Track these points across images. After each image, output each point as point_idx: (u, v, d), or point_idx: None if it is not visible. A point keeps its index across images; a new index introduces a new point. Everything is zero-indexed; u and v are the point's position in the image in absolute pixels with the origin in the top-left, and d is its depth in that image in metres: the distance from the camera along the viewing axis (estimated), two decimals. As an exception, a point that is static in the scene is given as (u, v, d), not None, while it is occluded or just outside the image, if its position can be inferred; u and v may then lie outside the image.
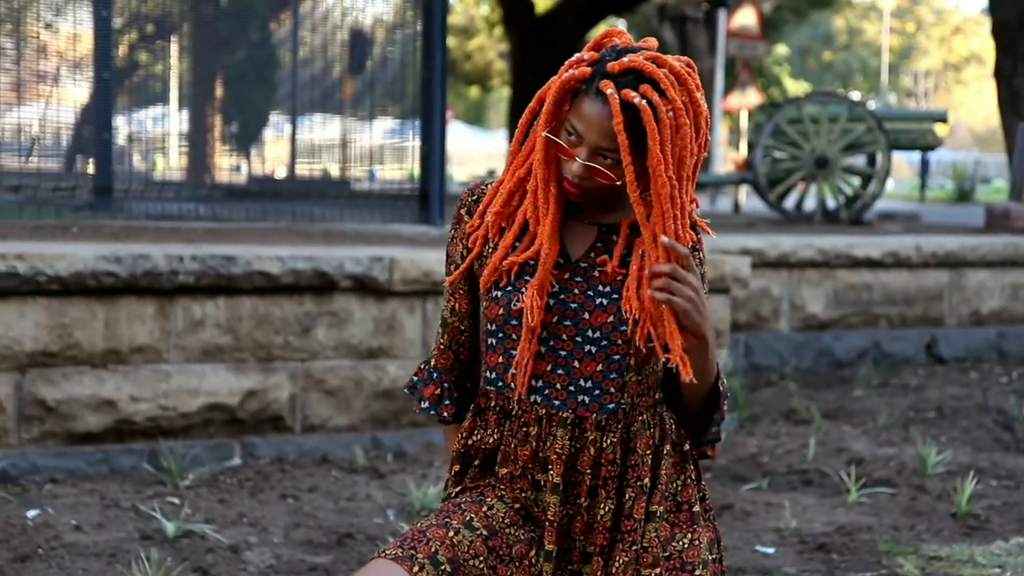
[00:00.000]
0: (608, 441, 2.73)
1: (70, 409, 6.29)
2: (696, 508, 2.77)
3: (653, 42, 2.76)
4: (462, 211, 2.90)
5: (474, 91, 52.12)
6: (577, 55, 2.74)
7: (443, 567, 2.63)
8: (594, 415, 2.72)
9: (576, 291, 2.74)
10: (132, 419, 6.41)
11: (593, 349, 2.73)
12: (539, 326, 2.72)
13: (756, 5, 28.23)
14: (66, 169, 13.17)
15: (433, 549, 2.65)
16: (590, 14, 24.37)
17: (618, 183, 2.67)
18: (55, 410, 6.27)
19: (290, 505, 6.07)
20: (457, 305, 2.91)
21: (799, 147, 12.64)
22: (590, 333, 2.73)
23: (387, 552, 2.66)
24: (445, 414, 2.94)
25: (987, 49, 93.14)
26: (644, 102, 2.59)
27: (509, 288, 2.77)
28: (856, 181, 13.11)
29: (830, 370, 9.85)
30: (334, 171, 12.71)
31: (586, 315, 2.73)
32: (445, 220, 8.90)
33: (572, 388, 2.73)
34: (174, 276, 6.43)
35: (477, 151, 51.82)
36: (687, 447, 2.80)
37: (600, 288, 2.74)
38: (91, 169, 9.92)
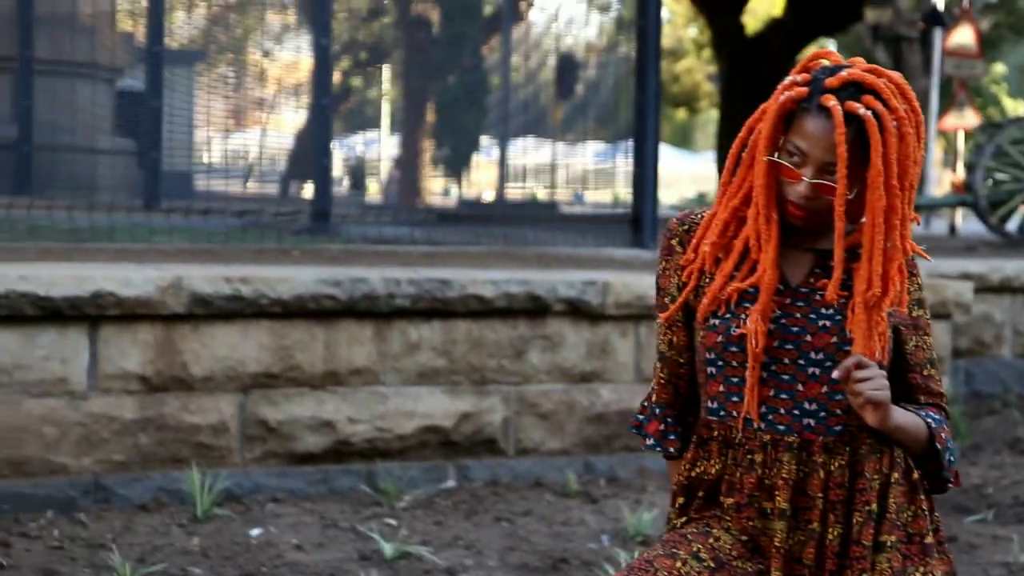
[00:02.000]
0: (836, 464, 2.69)
1: (291, 430, 6.42)
2: (928, 540, 2.72)
3: (861, 61, 2.73)
4: (673, 242, 2.89)
5: (681, 113, 51.92)
6: (789, 79, 2.73)
7: (671, 600, 2.62)
8: (821, 438, 2.70)
9: (798, 315, 2.72)
10: (350, 440, 6.51)
11: (817, 371, 2.70)
12: (763, 352, 2.70)
13: (974, 23, 27.67)
14: (281, 194, 13.49)
15: (659, 580, 2.64)
16: (800, 35, 24.11)
17: (850, 196, 2.66)
18: (276, 430, 6.40)
19: (504, 528, 6.10)
20: (675, 338, 2.90)
21: (1022, 168, 12.33)
22: (813, 355, 2.70)
23: (616, 583, 2.65)
24: (671, 449, 2.94)
25: None
26: (868, 112, 2.59)
27: (728, 316, 2.75)
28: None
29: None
30: (541, 194, 12.79)
31: (808, 337, 2.71)
32: (657, 244, 8.87)
33: (797, 412, 2.71)
34: (391, 299, 6.52)
35: (684, 174, 51.59)
36: (916, 476, 2.75)
37: (822, 311, 2.72)
38: (310, 194, 10.14)
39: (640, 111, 8.61)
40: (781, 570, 2.68)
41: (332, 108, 10.33)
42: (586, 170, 11.36)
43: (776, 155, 2.72)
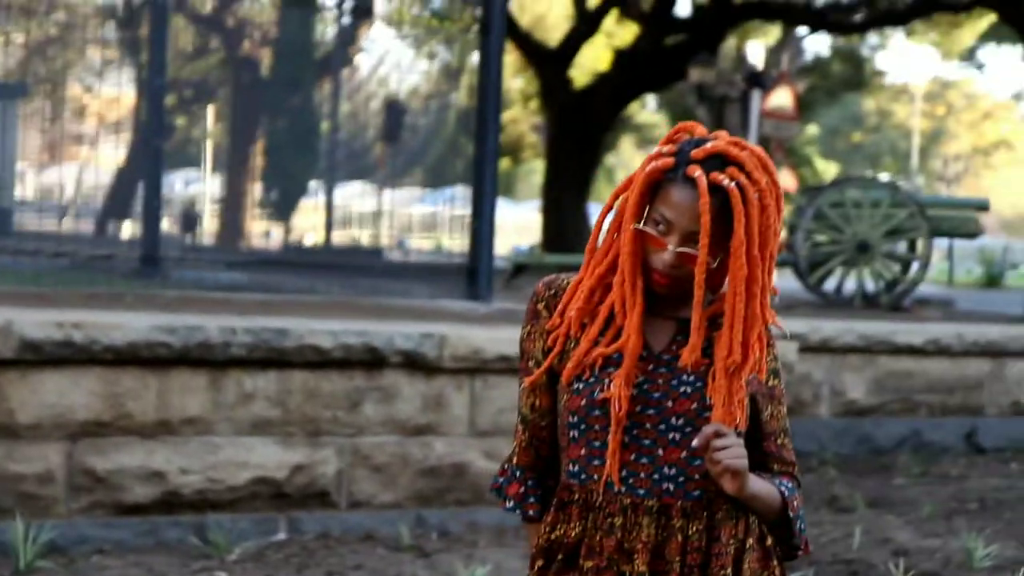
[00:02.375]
0: (694, 529, 2.72)
1: (120, 480, 6.30)
2: (784, 609, 2.76)
3: (725, 134, 2.80)
4: (540, 306, 2.91)
5: (505, 162, 52.32)
6: (656, 149, 2.78)
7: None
8: (679, 502, 2.72)
9: (660, 381, 2.76)
10: (180, 491, 6.42)
11: (677, 436, 2.73)
12: (625, 416, 2.73)
13: (792, 85, 28.38)
14: (97, 233, 13.23)
15: (521, 645, 2.64)
16: (627, 90, 24.50)
17: (713, 265, 2.70)
18: (105, 480, 6.28)
19: (336, 582, 6.06)
20: (538, 402, 2.92)
21: (841, 231, 12.66)
22: (674, 420, 2.74)
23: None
24: (530, 512, 2.94)
25: (1017, 135, 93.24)
26: (732, 184, 2.64)
27: (592, 380, 2.78)
28: (896, 267, 13.12)
29: (870, 457, 9.80)
30: (366, 240, 12.74)
31: (669, 403, 2.74)
32: (493, 296, 8.92)
33: (656, 476, 2.73)
34: (227, 348, 6.45)
35: (507, 222, 51.94)
36: (770, 542, 2.80)
37: (684, 378, 2.76)
38: (128, 233, 10.00)
39: (479, 165, 8.66)
40: (639, 634, 2.71)
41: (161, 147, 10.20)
42: (411, 216, 11.36)
43: (643, 223, 2.76)
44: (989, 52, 44.98)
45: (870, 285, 13.13)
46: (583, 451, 2.79)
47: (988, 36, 33.82)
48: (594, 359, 2.78)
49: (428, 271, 9.75)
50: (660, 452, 2.73)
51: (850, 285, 13.16)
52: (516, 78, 39.82)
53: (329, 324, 6.89)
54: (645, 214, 2.76)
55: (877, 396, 9.90)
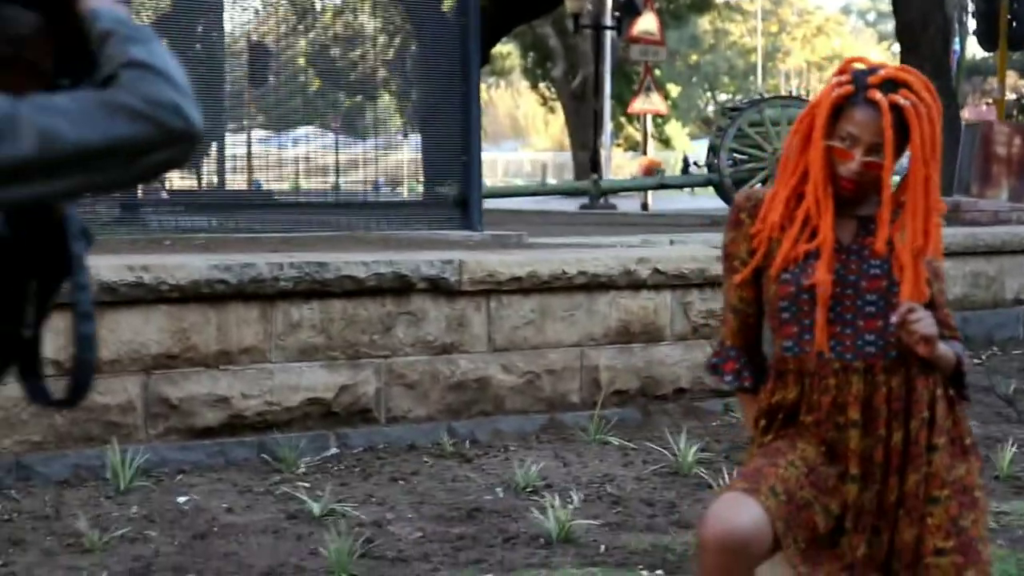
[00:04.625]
0: (895, 382, 3.42)
1: (191, 406, 6.86)
2: (967, 441, 3.49)
3: (889, 64, 3.50)
4: (742, 215, 3.59)
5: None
6: (834, 79, 3.47)
7: (780, 496, 3.31)
8: (881, 361, 3.42)
9: (852, 267, 3.45)
10: (243, 414, 6.99)
11: (872, 309, 3.42)
12: (829, 297, 3.41)
13: (655, 10, 29.20)
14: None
15: (771, 483, 3.33)
16: (502, 23, 25.09)
17: (893, 172, 3.39)
18: (177, 407, 6.83)
19: (403, 486, 6.69)
20: (745, 294, 3.59)
21: (762, 149, 13.47)
22: (868, 297, 3.43)
23: (736, 486, 3.33)
24: (746, 384, 3.63)
25: (849, 48, 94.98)
26: (907, 103, 3.33)
27: (797, 270, 3.46)
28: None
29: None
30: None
31: (864, 283, 3.43)
32: (483, 226, 9.55)
33: (859, 342, 3.42)
34: (276, 282, 7.02)
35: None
36: (952, 392, 3.51)
37: (872, 262, 3.45)
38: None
39: (465, 104, 9.25)
40: (859, 467, 3.40)
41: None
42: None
43: (831, 140, 3.44)
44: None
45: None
46: (795, 328, 3.47)
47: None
48: (798, 254, 3.46)
49: (427, 206, 10.30)
50: (860, 323, 3.43)
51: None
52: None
53: (361, 256, 7.48)
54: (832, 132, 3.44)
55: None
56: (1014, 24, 23.96)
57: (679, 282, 8.27)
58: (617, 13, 26.28)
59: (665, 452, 7.21)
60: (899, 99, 3.36)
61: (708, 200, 33.35)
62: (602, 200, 17.16)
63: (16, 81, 2.16)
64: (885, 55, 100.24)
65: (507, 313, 7.78)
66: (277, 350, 7.11)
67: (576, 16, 26.64)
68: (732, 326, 3.65)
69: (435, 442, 7.42)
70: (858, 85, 3.41)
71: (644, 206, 26.18)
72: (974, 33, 24.30)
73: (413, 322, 7.49)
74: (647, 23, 27.73)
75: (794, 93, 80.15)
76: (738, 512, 3.27)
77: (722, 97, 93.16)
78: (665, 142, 56.98)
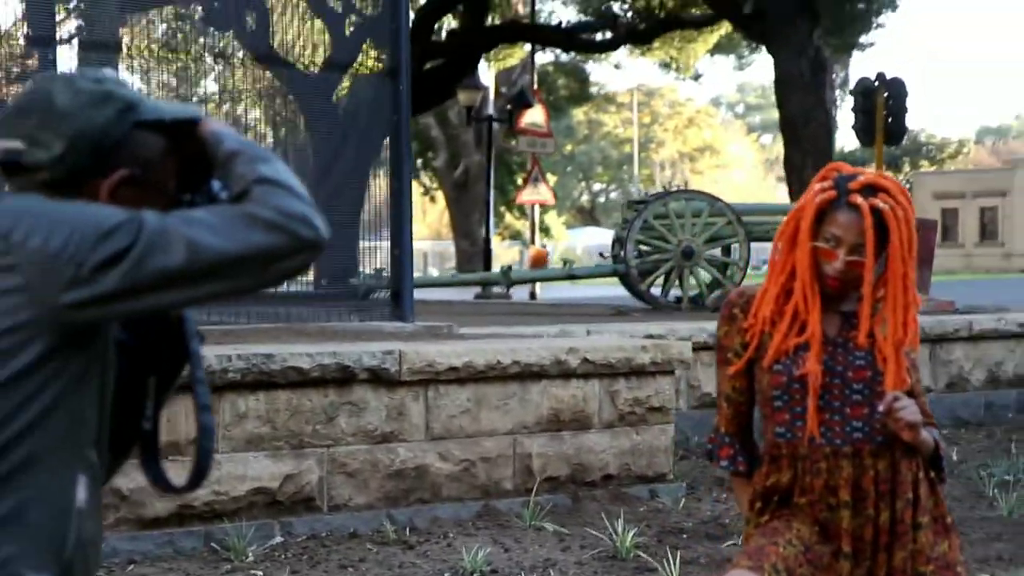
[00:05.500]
0: (882, 465, 3.69)
1: (140, 496, 6.95)
2: (948, 520, 3.76)
3: (866, 170, 3.79)
4: (735, 311, 3.85)
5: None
6: (816, 186, 3.75)
7: (782, 573, 3.56)
8: (869, 446, 3.68)
9: (839, 358, 3.72)
10: (192, 504, 7.09)
11: (859, 397, 3.70)
12: (820, 386, 3.68)
13: (543, 103, 29.73)
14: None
15: (773, 560, 3.57)
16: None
17: (872, 272, 3.67)
18: (128, 497, 6.92)
19: (351, 573, 6.84)
20: (738, 384, 3.85)
21: (667, 240, 13.85)
22: (855, 386, 3.70)
23: (742, 564, 3.57)
24: (740, 468, 3.88)
25: (719, 139, 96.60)
26: (887, 206, 3.62)
27: (788, 362, 3.72)
28: (716, 271, 14.39)
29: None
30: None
31: (850, 374, 3.70)
32: (415, 317, 9.76)
33: (848, 428, 3.69)
34: (224, 374, 7.16)
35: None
36: (932, 474, 3.78)
37: (857, 353, 3.72)
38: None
39: (397, 199, 9.48)
40: (850, 545, 3.66)
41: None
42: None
43: (816, 241, 3.72)
44: (704, 62, 47.31)
45: (686, 291, 14.34)
46: (787, 416, 3.73)
47: (718, 48, 35.87)
48: (788, 347, 3.73)
49: (356, 297, 10.48)
50: (848, 410, 3.70)
51: (676, 291, 14.38)
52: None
53: (305, 347, 7.65)
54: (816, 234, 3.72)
55: (727, 387, 11.03)
56: (890, 120, 24.80)
57: (606, 371, 8.53)
58: (509, 106, 26.77)
59: (601, 536, 7.43)
60: (879, 203, 3.64)
61: (592, 290, 33.75)
62: (508, 290, 17.45)
63: (145, 198, 2.37)
64: (754, 146, 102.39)
65: (444, 402, 7.98)
66: (224, 440, 7.24)
67: (469, 108, 27.08)
68: (726, 414, 3.90)
69: (376, 529, 7.57)
70: (840, 190, 3.70)
71: (532, 295, 26.56)
72: (853, 128, 25.09)
73: (355, 412, 7.66)
74: (535, 115, 28.25)
75: (672, 184, 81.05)
76: (745, 588, 3.50)
77: (596, 187, 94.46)
78: (545, 231, 57.58)
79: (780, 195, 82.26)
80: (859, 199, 3.65)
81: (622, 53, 36.74)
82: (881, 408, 3.61)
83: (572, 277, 15.31)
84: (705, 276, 14.15)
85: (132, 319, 2.38)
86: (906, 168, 70.33)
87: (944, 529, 3.75)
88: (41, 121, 2.33)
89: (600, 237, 71.94)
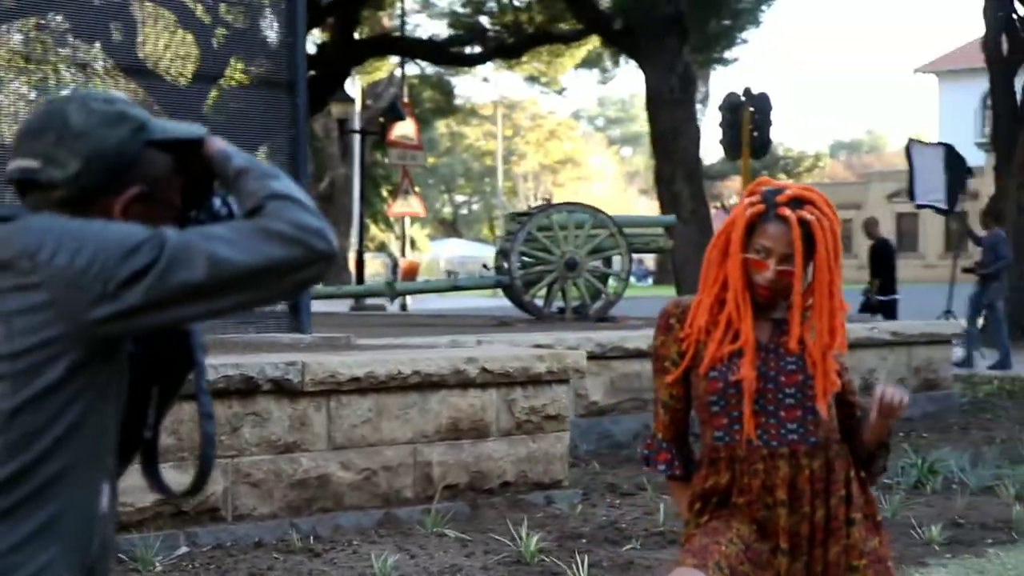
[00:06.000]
0: (816, 464, 3.86)
1: (47, 509, 6.93)
2: (879, 518, 3.95)
3: (793, 183, 3.97)
4: (672, 321, 4.00)
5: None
6: (745, 200, 3.92)
7: (724, 571, 3.72)
8: (803, 447, 3.86)
9: (771, 364, 3.89)
10: (98, 515, 7.08)
11: (792, 401, 3.87)
12: (755, 391, 3.84)
13: (414, 116, 29.84)
14: None
15: (716, 558, 3.73)
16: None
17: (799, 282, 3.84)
18: (35, 510, 6.89)
19: (262, 582, 6.89)
20: (675, 391, 4.00)
21: (550, 252, 14.04)
22: (787, 390, 3.87)
23: (687, 562, 3.72)
24: (678, 472, 4.03)
25: (580, 152, 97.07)
26: (813, 218, 3.80)
27: (724, 368, 3.88)
28: (598, 282, 14.61)
29: (611, 450, 11.12)
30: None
31: (782, 378, 3.87)
32: (312, 328, 9.80)
33: (783, 431, 3.86)
34: (130, 385, 7.17)
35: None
36: (863, 474, 3.97)
37: (788, 359, 3.89)
38: None
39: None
40: (787, 542, 3.83)
41: None
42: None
43: (747, 252, 3.89)
44: (567, 76, 47.75)
45: (569, 302, 14.54)
46: (724, 420, 3.89)
47: (583, 62, 36.24)
48: (723, 354, 3.89)
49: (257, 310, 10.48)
50: (782, 413, 3.87)
51: (559, 302, 14.57)
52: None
53: (209, 359, 7.65)
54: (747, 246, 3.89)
55: (613, 396, 11.25)
56: (755, 134, 25.31)
57: (504, 380, 8.67)
58: (382, 118, 26.82)
59: (504, 542, 7.56)
60: (805, 214, 3.82)
61: (461, 301, 33.89)
62: (393, 301, 17.54)
63: (155, 214, 2.45)
64: (615, 159, 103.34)
65: (346, 412, 8.06)
66: (129, 451, 7.24)
67: (342, 121, 27.08)
68: (663, 420, 4.04)
69: (280, 538, 7.63)
70: (768, 203, 3.87)
71: (403, 307, 26.64)
72: (720, 142, 25.56)
73: (258, 422, 7.71)
74: (406, 128, 28.36)
75: (536, 196, 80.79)
76: (691, 585, 3.65)
77: (459, 199, 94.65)
78: (411, 243, 57.69)
79: (641, 207, 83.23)
80: (787, 211, 3.82)
81: (488, 66, 36.99)
82: (895, 401, 3.78)
83: (457, 288, 15.44)
84: (587, 287, 14.38)
85: (142, 332, 2.45)
86: (764, 181, 71.44)
87: (875, 526, 3.94)
88: (57, 140, 2.41)
89: (462, 249, 72.21)
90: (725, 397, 3.88)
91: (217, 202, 2.56)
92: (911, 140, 17.91)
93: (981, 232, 19.65)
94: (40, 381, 2.30)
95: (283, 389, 7.78)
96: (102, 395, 2.39)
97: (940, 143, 19.03)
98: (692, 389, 3.98)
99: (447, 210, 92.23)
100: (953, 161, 17.43)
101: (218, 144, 2.50)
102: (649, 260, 66.30)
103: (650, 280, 66.61)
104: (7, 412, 2.30)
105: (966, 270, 18.79)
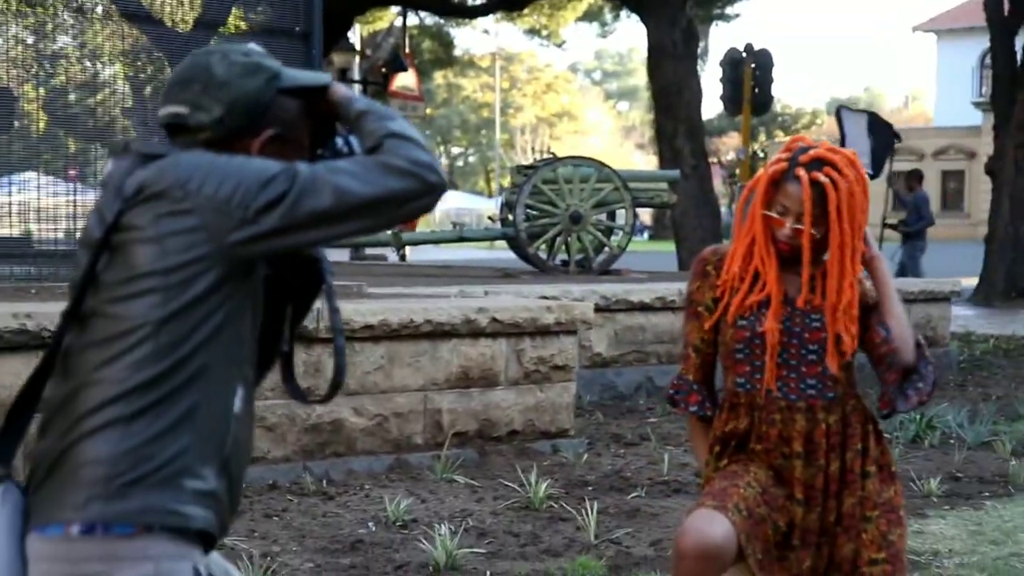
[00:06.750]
0: (832, 419, 4.01)
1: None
2: (893, 469, 4.10)
3: (826, 142, 4.09)
4: (708, 267, 4.13)
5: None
6: (776, 156, 4.05)
7: (743, 512, 3.87)
8: (821, 401, 4.00)
9: (797, 319, 4.02)
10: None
11: (814, 357, 4.01)
12: (778, 344, 3.98)
13: (415, 67, 29.85)
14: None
15: (735, 501, 3.88)
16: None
17: (818, 236, 3.96)
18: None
19: (278, 522, 7.05)
20: (707, 336, 4.14)
21: (555, 205, 14.16)
22: (810, 347, 4.01)
23: (707, 504, 3.87)
24: (708, 412, 4.17)
25: (576, 105, 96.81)
26: (827, 180, 3.91)
27: (752, 318, 4.02)
28: (602, 235, 14.74)
29: (615, 401, 11.28)
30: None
31: (806, 335, 4.01)
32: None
33: (802, 385, 4.00)
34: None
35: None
36: (880, 427, 4.11)
37: (813, 316, 4.03)
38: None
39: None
40: (802, 493, 3.98)
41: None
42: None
43: (769, 209, 4.02)
44: (568, 29, 47.68)
45: (573, 255, 14.67)
46: (747, 368, 4.03)
47: (587, 15, 36.24)
48: (751, 303, 4.03)
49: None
50: (803, 369, 4.01)
51: (563, 254, 14.70)
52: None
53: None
54: (772, 201, 4.02)
55: (617, 348, 11.40)
56: (756, 90, 25.36)
57: (514, 331, 8.81)
58: (384, 68, 26.88)
59: (513, 487, 7.72)
60: (820, 176, 3.93)
61: (460, 252, 34.00)
62: (399, 252, 17.70)
63: (287, 153, 2.80)
64: (611, 112, 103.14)
65: (359, 359, 8.20)
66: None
67: (344, 71, 27.13)
68: (694, 363, 4.18)
69: (293, 481, 7.78)
70: (791, 163, 3.99)
71: (403, 257, 26.72)
72: (721, 98, 25.63)
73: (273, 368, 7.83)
74: (407, 79, 28.37)
75: (533, 149, 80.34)
76: (712, 525, 3.80)
77: (455, 151, 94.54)
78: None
79: (637, 162, 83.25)
80: (802, 171, 3.94)
81: (489, 18, 36.93)
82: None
83: (463, 239, 15.57)
84: (591, 240, 14.50)
85: (276, 256, 2.76)
86: (762, 138, 71.58)
87: (890, 476, 4.09)
88: (203, 89, 2.77)
89: (459, 201, 72.24)
90: (750, 346, 4.02)
91: (340, 141, 2.89)
92: (840, 107, 18.22)
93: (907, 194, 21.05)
94: (188, 293, 2.62)
95: (300, 335, 7.89)
96: (240, 308, 2.70)
97: (864, 110, 19.53)
98: (720, 335, 4.11)
99: (444, 162, 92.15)
100: (878, 128, 17.83)
101: (341, 90, 2.85)
102: (645, 215, 66.31)
103: (646, 235, 66.72)
104: (158, 320, 2.62)
105: (888, 226, 19.32)
